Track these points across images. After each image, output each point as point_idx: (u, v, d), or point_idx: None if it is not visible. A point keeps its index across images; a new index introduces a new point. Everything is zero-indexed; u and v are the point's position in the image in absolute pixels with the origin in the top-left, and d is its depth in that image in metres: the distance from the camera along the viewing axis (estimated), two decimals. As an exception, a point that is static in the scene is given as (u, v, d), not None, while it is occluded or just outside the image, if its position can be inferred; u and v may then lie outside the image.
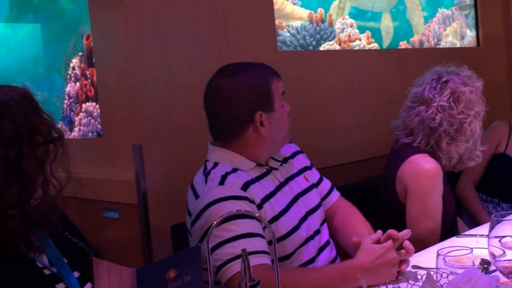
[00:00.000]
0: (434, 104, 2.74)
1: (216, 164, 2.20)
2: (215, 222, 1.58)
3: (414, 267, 2.14)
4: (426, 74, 2.88)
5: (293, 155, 2.48)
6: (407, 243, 2.07)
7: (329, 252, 2.41)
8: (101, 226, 2.97)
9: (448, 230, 2.77)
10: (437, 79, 2.80)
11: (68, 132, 3.31)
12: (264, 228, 2.04)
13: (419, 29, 4.31)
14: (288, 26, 3.46)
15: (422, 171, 2.66)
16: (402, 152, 2.79)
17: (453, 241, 2.46)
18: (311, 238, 2.33)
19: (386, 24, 4.06)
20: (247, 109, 2.18)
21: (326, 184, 2.60)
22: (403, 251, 2.06)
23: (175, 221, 2.47)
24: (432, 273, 1.74)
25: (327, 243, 2.42)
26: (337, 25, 3.74)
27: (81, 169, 2.97)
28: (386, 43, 4.07)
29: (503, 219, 1.80)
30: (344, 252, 2.47)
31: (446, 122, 2.72)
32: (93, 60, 3.02)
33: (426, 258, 2.19)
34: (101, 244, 2.83)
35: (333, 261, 2.42)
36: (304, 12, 3.56)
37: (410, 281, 1.93)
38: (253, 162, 2.24)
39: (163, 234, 2.58)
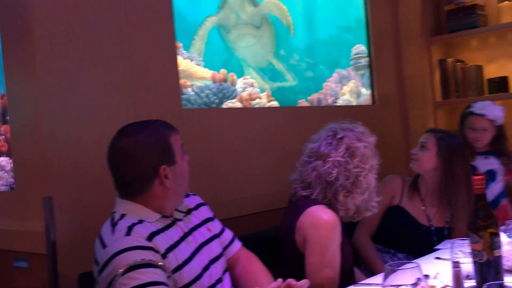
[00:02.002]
0: (330, 159, 2.80)
1: (123, 216, 2.26)
2: (121, 270, 1.68)
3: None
4: (322, 131, 2.95)
5: (196, 207, 2.57)
6: None
7: (231, 300, 2.49)
8: (11, 276, 2.99)
9: (346, 279, 2.82)
10: (332, 136, 2.87)
11: (-18, 186, 3.34)
12: (168, 277, 2.11)
13: (317, 87, 4.43)
14: (192, 85, 3.56)
15: (321, 222, 2.69)
16: (301, 204, 2.83)
17: (351, 290, 2.52)
18: (213, 286, 2.39)
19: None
20: (151, 165, 2.27)
21: (228, 234, 2.69)
22: None
23: (83, 269, 2.51)
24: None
25: (229, 291, 2.50)
26: (239, 85, 3.85)
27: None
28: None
29: (397, 268, 1.83)
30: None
31: (342, 176, 2.78)
32: (7, 117, 3.08)
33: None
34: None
35: (235, 308, 2.51)
36: (208, 72, 3.66)
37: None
38: (158, 214, 2.31)
39: (71, 282, 2.62)
